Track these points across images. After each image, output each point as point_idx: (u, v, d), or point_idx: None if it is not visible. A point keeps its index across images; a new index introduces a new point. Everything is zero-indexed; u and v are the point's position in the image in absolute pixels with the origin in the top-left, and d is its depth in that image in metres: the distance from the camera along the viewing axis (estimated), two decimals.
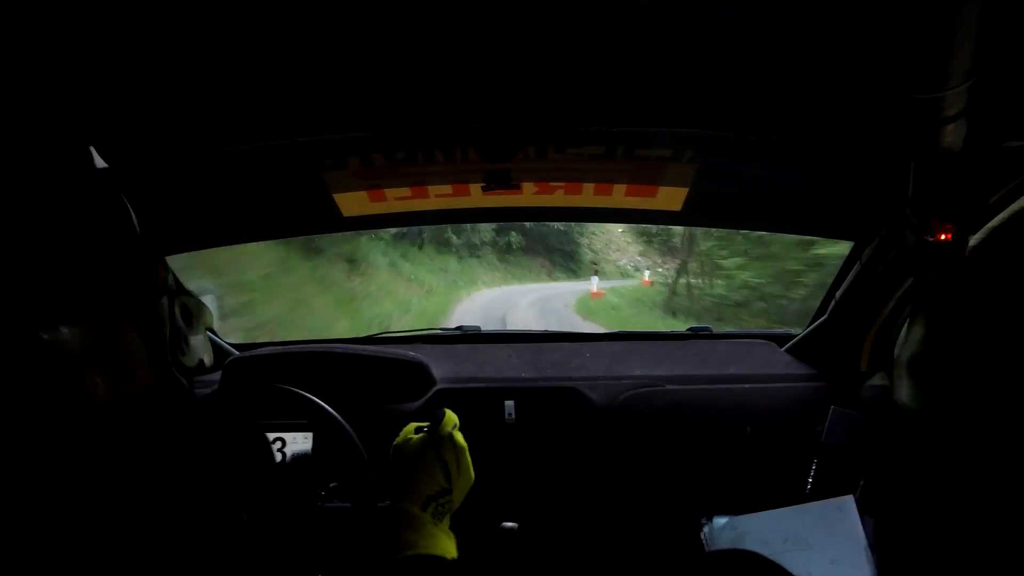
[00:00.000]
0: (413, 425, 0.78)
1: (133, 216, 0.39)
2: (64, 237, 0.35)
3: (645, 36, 0.76)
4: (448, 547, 0.65)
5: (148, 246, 0.40)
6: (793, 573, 0.54)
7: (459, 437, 0.76)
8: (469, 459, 0.76)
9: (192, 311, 0.46)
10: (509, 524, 1.03)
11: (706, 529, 0.99)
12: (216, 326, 1.43)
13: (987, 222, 0.82)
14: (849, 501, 0.93)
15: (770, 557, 0.75)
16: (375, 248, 10.75)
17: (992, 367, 0.28)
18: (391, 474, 0.72)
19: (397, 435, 0.78)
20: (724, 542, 0.96)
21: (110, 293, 0.36)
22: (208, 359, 0.50)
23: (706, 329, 1.51)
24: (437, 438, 0.73)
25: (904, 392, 0.34)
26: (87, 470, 0.34)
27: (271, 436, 1.15)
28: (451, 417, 0.77)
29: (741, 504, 1.03)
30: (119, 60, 0.77)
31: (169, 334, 0.43)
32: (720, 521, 0.99)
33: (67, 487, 0.34)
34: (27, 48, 0.69)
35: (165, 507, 0.39)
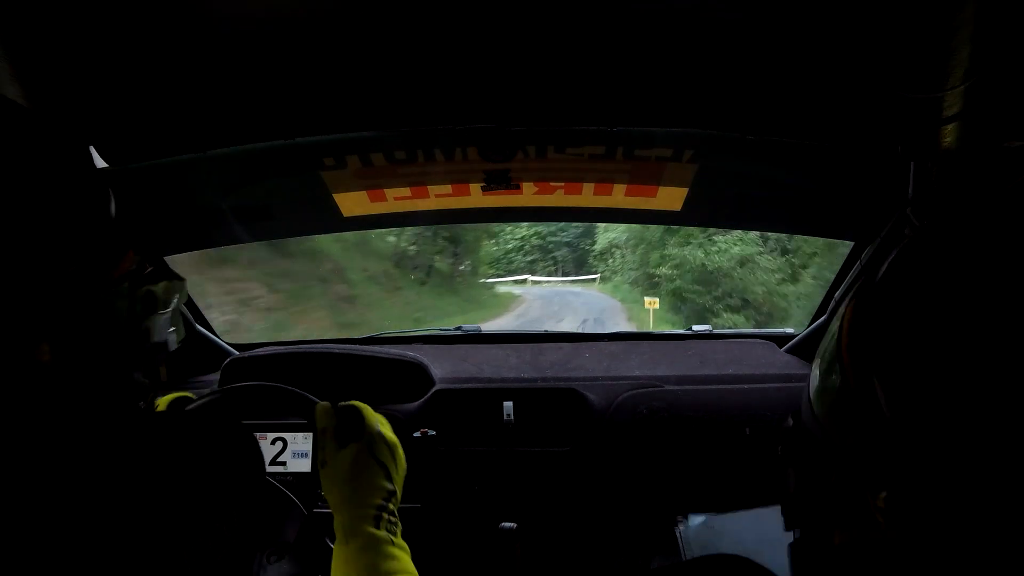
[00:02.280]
0: (327, 439, 0.67)
1: (112, 204, 0.39)
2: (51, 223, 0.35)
3: (645, 36, 0.76)
4: (412, 566, 0.60)
5: (119, 234, 0.40)
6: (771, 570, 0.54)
7: (388, 431, 0.69)
8: (401, 451, 0.69)
9: (158, 295, 0.45)
10: (508, 524, 1.03)
11: (681, 527, 0.99)
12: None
13: (987, 222, 0.82)
14: None
15: (746, 556, 0.75)
16: None
17: (988, 369, 0.28)
18: (330, 499, 0.64)
19: (397, 435, 0.75)
20: (699, 541, 0.95)
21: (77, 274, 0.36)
22: (174, 338, 0.48)
23: (706, 329, 1.51)
24: (368, 440, 0.66)
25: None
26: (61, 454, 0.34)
27: (271, 436, 1.16)
28: (368, 411, 0.69)
29: (741, 504, 1.03)
30: (119, 60, 0.77)
31: (127, 321, 0.42)
32: (696, 520, 0.99)
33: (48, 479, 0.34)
34: (27, 48, 0.69)
35: (149, 505, 0.39)
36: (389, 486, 0.64)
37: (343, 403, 0.70)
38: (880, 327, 0.30)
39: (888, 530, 0.28)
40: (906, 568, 0.28)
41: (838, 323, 0.34)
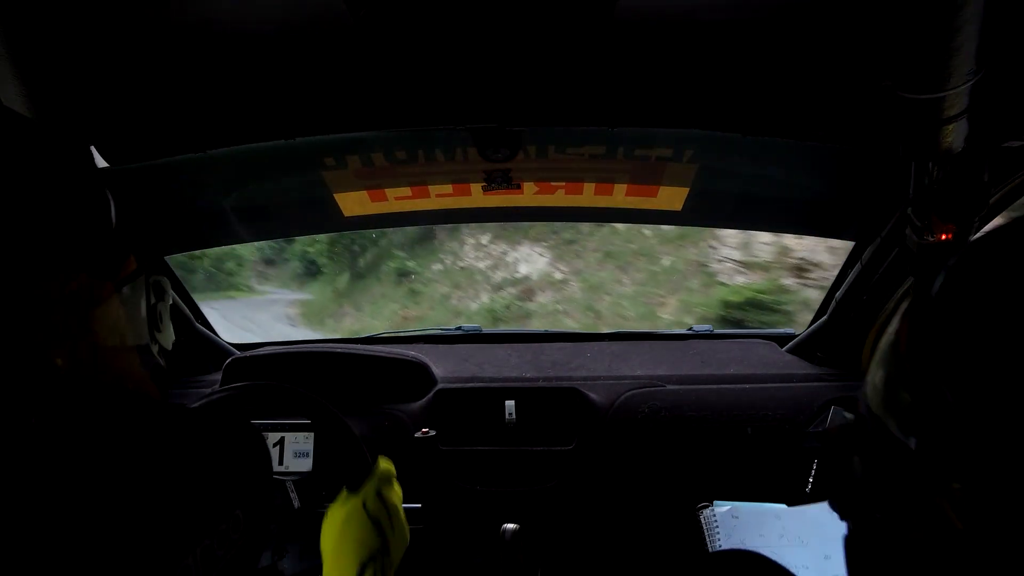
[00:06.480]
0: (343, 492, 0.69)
1: (112, 209, 0.40)
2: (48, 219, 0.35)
3: (645, 36, 0.76)
4: None
5: (121, 239, 0.40)
6: (789, 567, 0.54)
7: (390, 494, 0.69)
8: (403, 516, 0.70)
9: (164, 285, 0.46)
10: (510, 526, 1.03)
11: (706, 512, 0.99)
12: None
13: (987, 222, 0.82)
14: None
15: (768, 549, 0.75)
16: None
17: (987, 370, 0.28)
18: (322, 551, 0.65)
19: (399, 435, 0.77)
20: (725, 528, 0.96)
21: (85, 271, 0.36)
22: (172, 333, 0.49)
23: (707, 329, 1.51)
24: (366, 495, 0.66)
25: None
26: (66, 459, 0.34)
27: (273, 436, 1.16)
28: (383, 469, 0.70)
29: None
30: (119, 60, 0.77)
31: (146, 316, 0.43)
32: (723, 507, 0.99)
33: (50, 479, 0.34)
34: (29, 48, 0.69)
35: (153, 502, 0.39)
36: (377, 542, 0.64)
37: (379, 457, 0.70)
38: (945, 338, 0.30)
39: (961, 528, 0.28)
40: (982, 566, 0.28)
41: (893, 336, 0.34)
